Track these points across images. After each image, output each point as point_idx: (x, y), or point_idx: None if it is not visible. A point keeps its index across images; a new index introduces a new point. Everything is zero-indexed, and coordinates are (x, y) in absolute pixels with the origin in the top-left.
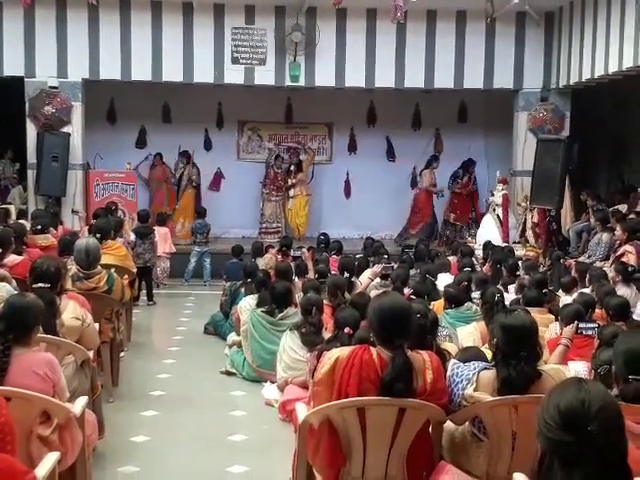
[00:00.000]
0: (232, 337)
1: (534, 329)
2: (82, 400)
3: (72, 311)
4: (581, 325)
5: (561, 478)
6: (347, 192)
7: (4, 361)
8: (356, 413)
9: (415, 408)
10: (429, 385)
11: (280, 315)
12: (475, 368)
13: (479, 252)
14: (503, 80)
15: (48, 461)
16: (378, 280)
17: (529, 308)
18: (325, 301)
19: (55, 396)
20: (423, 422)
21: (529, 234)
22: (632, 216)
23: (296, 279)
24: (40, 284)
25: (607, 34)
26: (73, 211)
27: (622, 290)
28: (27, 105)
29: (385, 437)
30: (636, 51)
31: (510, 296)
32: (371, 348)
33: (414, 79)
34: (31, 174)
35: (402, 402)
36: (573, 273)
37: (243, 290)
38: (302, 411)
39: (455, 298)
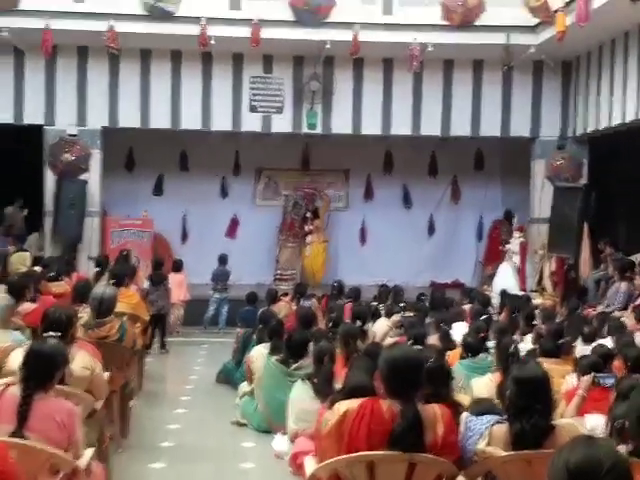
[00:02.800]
0: (243, 387)
1: (546, 381)
2: (89, 452)
3: (81, 360)
4: (598, 376)
5: None
6: (363, 239)
7: (25, 408)
8: (365, 468)
9: (426, 463)
10: (440, 439)
11: (295, 366)
12: (488, 422)
13: (495, 300)
14: (520, 128)
15: None
16: (395, 330)
17: (545, 359)
18: (337, 350)
19: (70, 446)
20: (434, 477)
21: (546, 282)
22: None
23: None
24: (51, 333)
25: (624, 83)
26: (89, 258)
27: None
28: (46, 152)
29: None
30: None
31: (527, 346)
32: (381, 400)
33: (431, 127)
34: (48, 221)
35: (412, 457)
36: (594, 323)
37: (255, 337)
38: (310, 465)
39: (472, 347)
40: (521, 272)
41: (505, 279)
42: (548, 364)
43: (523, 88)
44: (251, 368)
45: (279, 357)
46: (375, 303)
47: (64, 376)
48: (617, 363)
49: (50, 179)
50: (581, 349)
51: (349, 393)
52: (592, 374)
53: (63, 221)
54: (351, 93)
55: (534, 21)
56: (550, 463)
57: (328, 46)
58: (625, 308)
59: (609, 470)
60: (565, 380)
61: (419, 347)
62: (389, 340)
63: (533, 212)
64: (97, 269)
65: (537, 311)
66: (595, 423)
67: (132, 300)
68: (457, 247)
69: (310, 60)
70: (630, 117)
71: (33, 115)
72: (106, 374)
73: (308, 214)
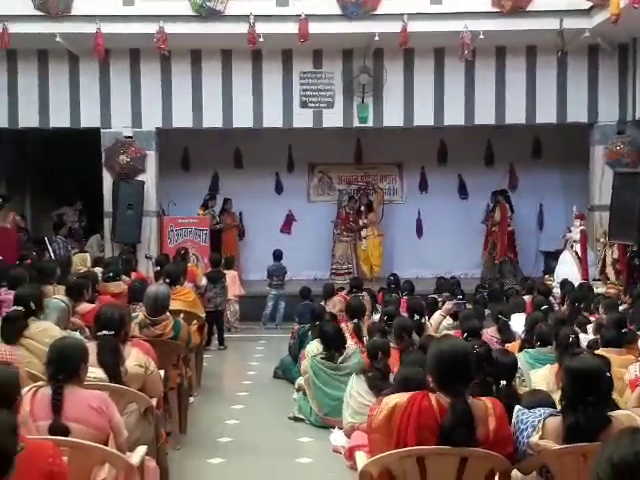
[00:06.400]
0: (299, 381)
1: (602, 373)
2: (141, 450)
3: (135, 358)
4: None
5: None
6: (419, 231)
7: (58, 399)
8: (416, 463)
9: (478, 457)
10: (492, 433)
11: (340, 358)
12: (541, 415)
13: (557, 291)
14: (577, 114)
15: None
16: (450, 321)
17: (608, 349)
18: (392, 344)
19: (112, 431)
20: (487, 472)
21: (609, 271)
22: None
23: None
24: (104, 332)
25: None
26: (146, 256)
27: None
28: (103, 155)
29: None
30: None
31: (589, 336)
32: (430, 394)
33: (485, 116)
34: (107, 222)
35: (463, 451)
36: None
37: (311, 333)
38: (361, 460)
39: (544, 336)
40: (583, 261)
41: (567, 268)
42: (610, 354)
43: (579, 73)
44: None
45: (324, 354)
46: (434, 295)
47: (120, 374)
48: None
49: (108, 181)
50: None
51: (401, 384)
52: None
53: (122, 222)
54: (402, 84)
55: (587, 4)
56: (595, 457)
57: (377, 38)
58: None
59: None
60: (628, 370)
61: (473, 339)
62: (444, 331)
63: (593, 199)
64: (157, 268)
65: (600, 300)
66: None
67: (188, 298)
68: (516, 237)
69: (359, 53)
70: None
71: (89, 118)
72: (161, 372)
73: (362, 208)
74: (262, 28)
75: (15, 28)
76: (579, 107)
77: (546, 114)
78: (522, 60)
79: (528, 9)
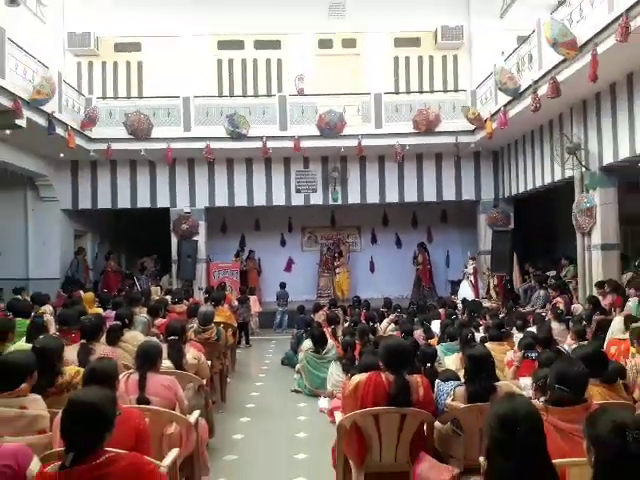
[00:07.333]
0: (298, 366)
1: (489, 357)
2: (196, 413)
3: (192, 354)
4: (526, 352)
5: (501, 465)
6: (372, 269)
7: (142, 381)
8: (373, 418)
9: (412, 414)
10: (421, 397)
11: (324, 352)
12: (452, 385)
13: (460, 305)
14: (468, 194)
15: (171, 455)
16: (393, 326)
17: (493, 342)
18: (357, 341)
19: (177, 400)
20: (418, 423)
21: (492, 292)
22: (553, 281)
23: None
24: (172, 337)
25: (533, 163)
26: (199, 288)
27: (556, 326)
28: (171, 224)
29: (393, 434)
30: (552, 172)
31: (480, 334)
32: (381, 373)
33: (411, 196)
34: (174, 267)
35: (403, 410)
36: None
37: (304, 335)
38: (338, 417)
39: (452, 335)
40: (475, 286)
41: (465, 291)
42: (494, 345)
43: (468, 169)
44: (300, 357)
45: (313, 349)
46: (382, 310)
47: (182, 364)
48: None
49: (174, 241)
50: (517, 335)
51: (363, 369)
52: (522, 351)
53: (183, 266)
54: (359, 178)
55: (472, 127)
56: (487, 412)
57: (342, 150)
58: (544, 307)
59: (524, 415)
60: (506, 355)
61: (408, 337)
62: (389, 333)
63: (480, 247)
64: (206, 295)
65: (487, 311)
66: (526, 383)
67: (226, 314)
68: (434, 271)
69: (332, 159)
70: (538, 184)
71: (162, 201)
72: (208, 362)
73: (336, 255)
74: (271, 144)
75: (116, 146)
76: (469, 190)
77: (449, 194)
78: (433, 162)
79: (436, 130)
